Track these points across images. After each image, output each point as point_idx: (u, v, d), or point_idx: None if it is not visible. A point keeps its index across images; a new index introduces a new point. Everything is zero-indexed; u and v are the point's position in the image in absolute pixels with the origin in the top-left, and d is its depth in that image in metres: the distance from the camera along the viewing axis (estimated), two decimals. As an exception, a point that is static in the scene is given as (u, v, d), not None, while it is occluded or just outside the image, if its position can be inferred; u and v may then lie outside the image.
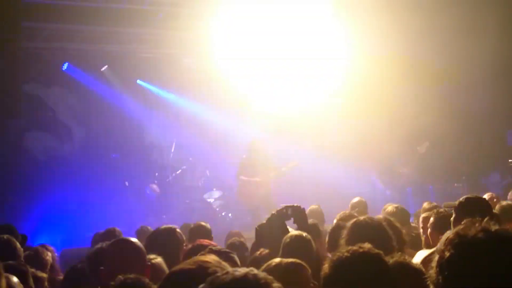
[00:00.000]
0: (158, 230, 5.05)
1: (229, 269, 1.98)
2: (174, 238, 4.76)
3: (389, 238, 3.99)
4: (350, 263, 2.76)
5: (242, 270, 1.91)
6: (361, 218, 4.20)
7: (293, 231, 4.51)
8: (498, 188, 11.48)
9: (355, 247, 2.87)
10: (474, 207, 4.68)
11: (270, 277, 1.91)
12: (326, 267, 2.81)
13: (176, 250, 4.59)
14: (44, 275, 4.68)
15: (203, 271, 2.21)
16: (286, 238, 4.30)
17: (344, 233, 4.04)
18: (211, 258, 2.38)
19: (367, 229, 3.94)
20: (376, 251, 2.86)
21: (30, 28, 11.82)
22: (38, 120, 12.38)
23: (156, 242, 4.59)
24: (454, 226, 4.66)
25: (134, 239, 3.85)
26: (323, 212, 7.77)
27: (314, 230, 5.29)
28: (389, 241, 3.95)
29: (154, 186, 12.74)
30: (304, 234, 4.36)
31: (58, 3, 11.24)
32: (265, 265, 3.38)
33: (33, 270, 4.32)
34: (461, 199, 4.88)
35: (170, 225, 5.07)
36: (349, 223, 4.18)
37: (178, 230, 4.92)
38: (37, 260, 5.10)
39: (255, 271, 1.91)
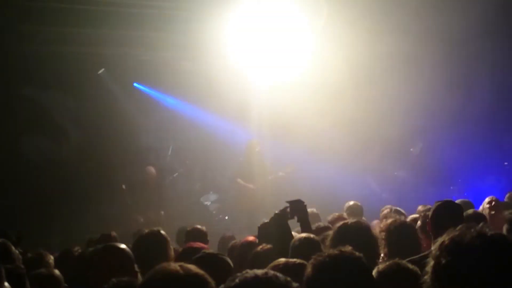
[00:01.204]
0: (143, 234, 5.03)
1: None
2: (160, 238, 4.73)
3: (374, 243, 4.02)
4: (330, 266, 2.78)
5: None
6: (348, 221, 4.25)
7: (302, 234, 4.55)
8: (495, 190, 11.50)
9: (336, 250, 2.89)
10: (445, 212, 4.83)
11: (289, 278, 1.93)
12: (308, 269, 2.83)
13: (164, 250, 4.58)
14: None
15: (167, 276, 2.19)
16: (295, 241, 4.33)
17: (330, 236, 4.08)
18: (170, 264, 2.34)
19: (351, 233, 3.97)
20: (358, 254, 2.87)
21: (26, 31, 11.83)
22: (34, 123, 12.35)
23: (143, 245, 4.58)
24: (431, 232, 4.75)
25: (122, 246, 3.89)
26: (320, 215, 7.80)
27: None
28: (374, 246, 3.98)
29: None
30: (312, 235, 4.40)
31: (54, 6, 11.24)
32: (272, 264, 3.39)
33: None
34: (433, 206, 4.99)
35: (153, 228, 5.08)
36: (335, 226, 4.23)
37: (162, 232, 4.93)
38: (39, 263, 5.11)
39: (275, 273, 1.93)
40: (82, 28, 12.26)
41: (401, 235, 4.53)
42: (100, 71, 13.14)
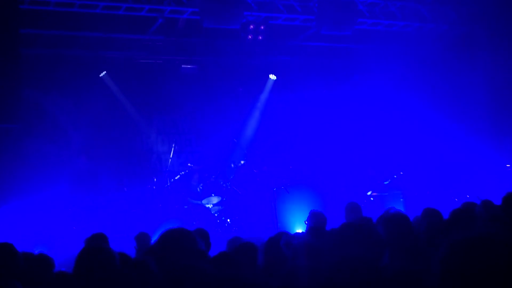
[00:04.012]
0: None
1: None
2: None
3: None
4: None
5: None
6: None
7: None
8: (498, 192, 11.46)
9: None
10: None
11: None
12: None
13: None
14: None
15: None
16: None
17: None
18: None
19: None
20: None
21: (28, 35, 11.83)
22: (36, 126, 12.33)
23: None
24: None
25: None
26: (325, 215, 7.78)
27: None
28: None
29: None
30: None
31: (57, 10, 11.24)
32: None
33: None
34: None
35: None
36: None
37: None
38: (42, 264, 5.10)
39: None
40: (84, 31, 12.29)
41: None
42: (102, 74, 13.14)
